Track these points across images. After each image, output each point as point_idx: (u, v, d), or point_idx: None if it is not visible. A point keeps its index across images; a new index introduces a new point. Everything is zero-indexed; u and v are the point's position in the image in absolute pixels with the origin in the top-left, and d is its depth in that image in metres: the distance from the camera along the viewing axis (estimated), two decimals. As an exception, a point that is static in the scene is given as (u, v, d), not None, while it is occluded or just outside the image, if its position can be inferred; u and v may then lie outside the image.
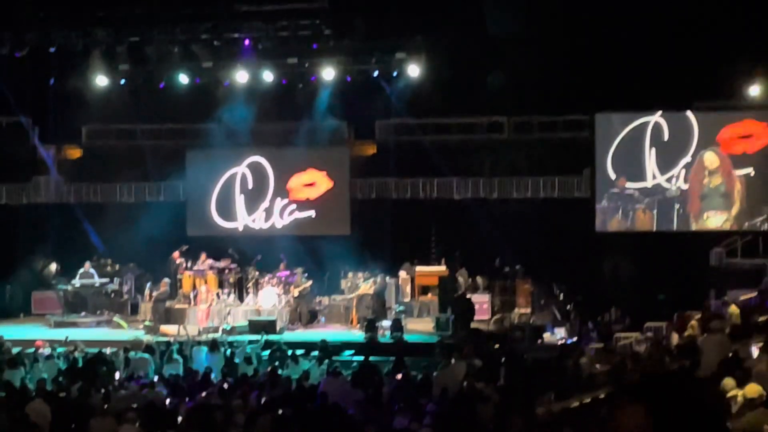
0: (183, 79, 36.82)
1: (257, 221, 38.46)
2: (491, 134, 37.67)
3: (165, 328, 32.46)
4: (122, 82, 37.27)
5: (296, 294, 34.16)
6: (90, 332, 32.77)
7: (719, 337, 20.06)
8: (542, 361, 26.87)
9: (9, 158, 39.36)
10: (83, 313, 34.84)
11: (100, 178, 39.50)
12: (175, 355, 26.83)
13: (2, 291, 37.08)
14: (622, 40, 33.12)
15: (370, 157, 39.03)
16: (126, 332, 32.66)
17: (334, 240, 36.30)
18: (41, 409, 18.73)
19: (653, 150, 35.15)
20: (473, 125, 38.03)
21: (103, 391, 21.36)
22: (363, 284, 33.59)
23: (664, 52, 33.19)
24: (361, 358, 27.38)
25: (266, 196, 38.31)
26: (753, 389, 13.89)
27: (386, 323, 32.06)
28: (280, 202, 38.22)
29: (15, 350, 27.84)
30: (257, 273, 35.18)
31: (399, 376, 23.66)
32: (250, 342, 29.28)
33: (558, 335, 31.12)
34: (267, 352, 28.25)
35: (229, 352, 27.33)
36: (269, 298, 34.00)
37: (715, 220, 34.87)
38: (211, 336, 30.33)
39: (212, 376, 24.24)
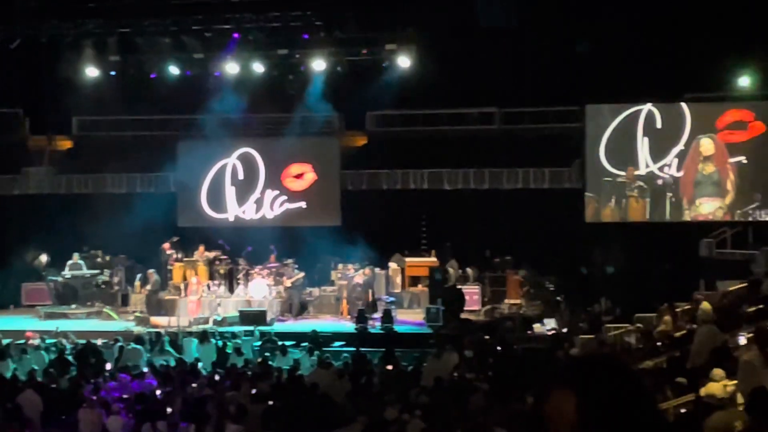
0: (173, 70, 36.80)
1: (248, 212, 38.46)
2: (482, 125, 37.70)
3: (155, 319, 32.45)
4: (113, 73, 37.23)
5: (289, 285, 34.17)
6: (80, 323, 32.77)
7: (709, 328, 20.11)
8: (532, 352, 26.93)
9: (0, 149, 39.33)
10: (73, 305, 34.79)
11: (91, 169, 39.46)
12: (166, 346, 26.86)
13: (-7, 282, 37.11)
14: (612, 31, 33.15)
15: (361, 148, 39.03)
16: (116, 323, 32.67)
17: (324, 231, 36.31)
18: (32, 399, 18.75)
19: (646, 139, 35.18)
20: (464, 116, 38.04)
21: (93, 382, 21.38)
22: (353, 275, 33.59)
23: (654, 44, 33.24)
24: (351, 349, 27.43)
25: (257, 187, 38.30)
26: (716, 388, 13.94)
27: (376, 314, 32.13)
28: (270, 194, 38.21)
29: (5, 342, 27.82)
30: (248, 264, 35.17)
31: (389, 367, 23.70)
32: (247, 333, 29.24)
33: (548, 326, 31.15)
34: (258, 343, 28.28)
35: (220, 343, 27.35)
36: (260, 290, 34.00)
37: (708, 207, 34.91)
38: (201, 327, 30.34)
39: (201, 367, 24.27)
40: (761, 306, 22.52)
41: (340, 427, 16.07)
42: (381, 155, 38.09)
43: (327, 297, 34.72)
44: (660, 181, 35.12)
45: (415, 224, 37.30)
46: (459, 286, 33.48)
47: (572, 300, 32.84)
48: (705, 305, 25.08)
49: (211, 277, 35.22)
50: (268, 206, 38.25)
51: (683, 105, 35.07)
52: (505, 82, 35.42)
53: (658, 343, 22.97)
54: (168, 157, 38.49)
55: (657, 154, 35.15)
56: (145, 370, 23.83)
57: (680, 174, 35.04)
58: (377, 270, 34.55)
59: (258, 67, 36.49)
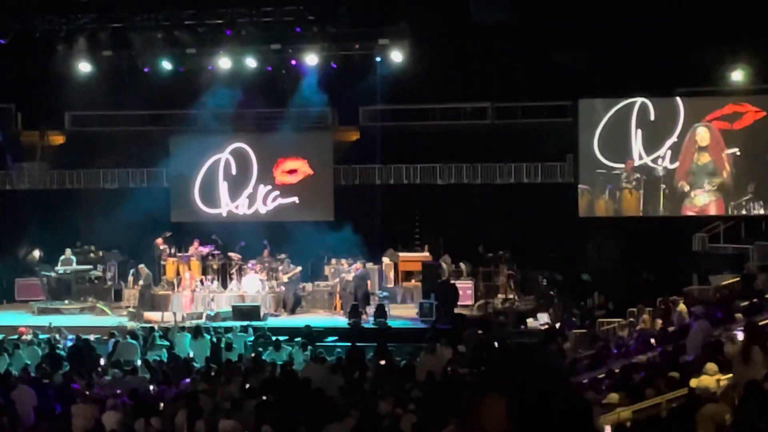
0: (166, 65, 36.79)
1: (240, 207, 38.45)
2: (475, 120, 37.74)
3: (149, 314, 32.42)
4: (106, 68, 37.18)
5: (285, 280, 34.19)
6: (74, 319, 32.74)
7: (702, 323, 20.16)
8: (526, 346, 26.96)
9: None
10: (67, 300, 34.74)
11: (84, 164, 39.44)
12: (159, 341, 26.85)
13: (-14, 277, 37.09)
14: (605, 27, 33.16)
15: (354, 143, 39.05)
16: (110, 319, 32.64)
17: (317, 226, 36.30)
18: (26, 395, 18.74)
19: (639, 131, 35.18)
20: (457, 111, 38.10)
21: (86, 377, 21.37)
22: (346, 270, 33.58)
23: (647, 39, 33.26)
24: (345, 344, 27.42)
25: (250, 182, 38.28)
26: (708, 381, 13.98)
27: (370, 309, 32.15)
28: (263, 189, 38.20)
29: (-2, 337, 27.82)
30: (241, 259, 35.16)
31: (383, 362, 23.70)
32: (242, 330, 29.20)
33: (541, 320, 31.19)
34: (251, 339, 28.27)
35: (214, 338, 27.34)
36: (253, 285, 33.97)
37: (702, 198, 34.91)
38: (194, 322, 30.32)
39: (195, 362, 24.26)
40: (754, 300, 22.55)
41: (334, 421, 16.08)
42: (374, 150, 38.07)
43: (320, 292, 34.72)
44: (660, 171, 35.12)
45: (408, 219, 37.28)
46: (452, 282, 33.47)
47: (565, 294, 32.86)
48: (681, 307, 25.21)
49: (205, 272, 35.19)
50: (261, 201, 38.24)
51: (677, 98, 35.09)
52: (497, 77, 35.43)
53: (652, 340, 22.99)
54: (161, 152, 38.48)
55: (651, 146, 35.15)
56: (138, 364, 23.83)
57: (674, 166, 35.04)
58: (370, 265, 34.54)
59: (251, 62, 36.48)
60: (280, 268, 34.68)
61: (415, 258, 35.58)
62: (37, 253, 37.39)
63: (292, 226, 36.89)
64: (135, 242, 36.50)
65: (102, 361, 25.01)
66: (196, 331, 27.57)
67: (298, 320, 31.41)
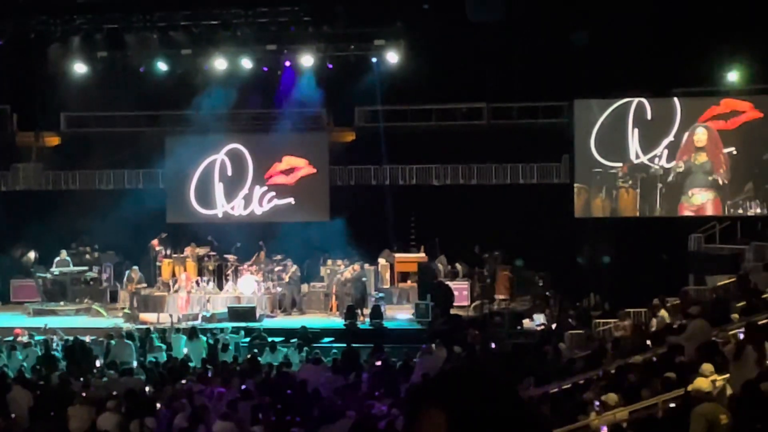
0: (162, 65, 36.76)
1: (236, 208, 38.42)
2: (470, 120, 37.73)
3: (144, 315, 32.41)
4: (101, 69, 37.15)
5: (286, 280, 34.23)
6: (69, 320, 32.72)
7: (699, 323, 20.14)
8: (522, 347, 26.96)
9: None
10: (62, 302, 34.71)
11: (79, 166, 39.40)
12: (156, 343, 26.86)
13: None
14: (600, 27, 33.18)
15: (350, 144, 39.04)
16: (105, 320, 32.62)
17: (313, 227, 36.27)
18: (22, 396, 18.73)
19: (636, 130, 35.16)
20: (452, 111, 38.08)
21: (82, 378, 21.36)
22: (342, 271, 33.57)
23: (643, 39, 33.27)
24: (341, 345, 27.45)
25: (245, 183, 38.26)
26: (705, 383, 13.97)
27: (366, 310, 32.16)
28: (259, 190, 38.18)
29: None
30: (237, 260, 35.15)
31: (378, 363, 23.72)
32: (233, 332, 29.19)
33: (537, 321, 31.19)
34: (246, 340, 28.28)
35: (210, 339, 27.34)
36: (249, 286, 33.97)
37: (700, 197, 34.90)
38: (190, 323, 30.31)
39: (191, 363, 24.26)
40: (750, 301, 22.54)
41: (329, 422, 16.08)
42: (369, 151, 38.05)
43: (316, 293, 34.73)
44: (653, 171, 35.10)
45: (404, 220, 37.28)
46: (448, 282, 33.47)
47: (561, 295, 32.87)
48: (662, 312, 25.23)
49: (200, 274, 35.18)
50: (256, 202, 38.22)
51: (674, 98, 35.10)
52: (493, 78, 35.45)
53: (648, 341, 22.98)
54: (156, 153, 38.45)
55: (647, 145, 35.13)
56: (135, 366, 23.84)
57: (671, 165, 35.04)
58: (366, 266, 34.53)
59: (246, 63, 36.47)
60: (277, 269, 34.70)
61: (410, 259, 35.55)
62: (32, 255, 37.34)
63: (288, 227, 36.86)
64: (131, 243, 36.47)
65: (98, 363, 25.00)
66: (192, 333, 27.56)
67: (294, 321, 31.40)
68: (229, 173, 38.35)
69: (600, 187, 35.46)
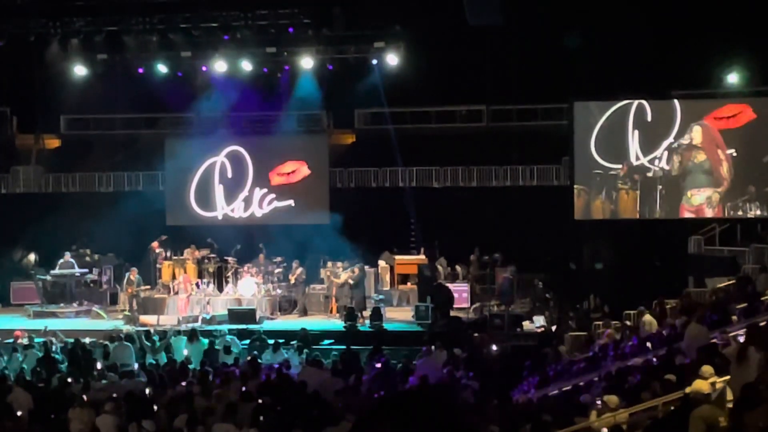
0: (161, 68, 36.77)
1: (236, 210, 38.45)
2: (470, 123, 37.76)
3: (144, 318, 32.41)
4: (101, 71, 37.16)
5: (293, 281, 34.26)
6: (69, 322, 32.71)
7: (694, 327, 20.15)
8: (522, 349, 26.98)
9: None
10: (62, 304, 34.70)
11: (79, 168, 39.46)
12: (156, 345, 26.84)
13: (-20, 281, 37.06)
14: (600, 29, 33.21)
15: (349, 146, 39.11)
16: (105, 322, 32.62)
17: (313, 229, 36.26)
18: (22, 398, 18.71)
19: (636, 132, 35.13)
20: (452, 114, 38.13)
21: (82, 381, 21.34)
22: (342, 273, 33.56)
23: (642, 41, 33.32)
24: (341, 347, 27.43)
25: (245, 185, 38.29)
26: (704, 385, 13.97)
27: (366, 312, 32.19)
28: (259, 192, 38.20)
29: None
30: (237, 262, 35.14)
31: (378, 365, 23.69)
32: (231, 332, 29.19)
33: (537, 323, 31.20)
34: (246, 342, 28.26)
35: (210, 341, 27.31)
36: (249, 288, 33.97)
37: (699, 198, 34.86)
38: (190, 325, 30.30)
39: (191, 365, 24.22)
40: (750, 303, 22.57)
41: (330, 425, 16.06)
42: (369, 153, 38.10)
43: (316, 295, 34.72)
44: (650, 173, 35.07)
45: (404, 222, 37.31)
46: (448, 284, 33.48)
47: (561, 297, 32.88)
48: (647, 317, 25.26)
49: (200, 276, 35.19)
50: (256, 204, 38.25)
51: (674, 100, 35.08)
52: (493, 80, 35.50)
53: (648, 344, 22.99)
54: (156, 155, 38.50)
55: (647, 147, 35.10)
56: (135, 368, 23.82)
57: (670, 166, 35.02)
58: (366, 268, 34.54)
59: (246, 65, 36.48)
60: (277, 270, 34.75)
61: (410, 261, 35.57)
62: (32, 257, 37.34)
63: (288, 229, 36.86)
64: (131, 246, 36.47)
65: (99, 365, 24.97)
66: (192, 335, 27.54)
67: (294, 323, 31.38)
68: (229, 175, 38.38)
69: (600, 188, 35.40)
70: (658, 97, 35.10)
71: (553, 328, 30.03)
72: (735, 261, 30.92)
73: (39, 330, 29.53)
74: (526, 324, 31.36)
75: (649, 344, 22.26)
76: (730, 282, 27.46)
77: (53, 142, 40.47)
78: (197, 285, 34.48)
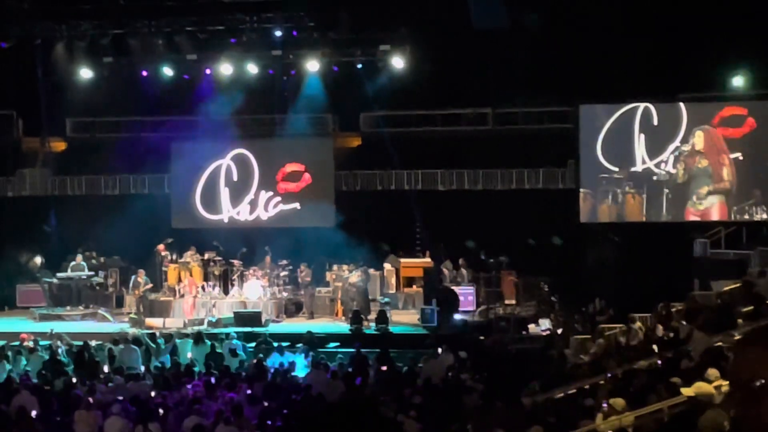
0: (167, 71, 36.82)
1: (242, 213, 38.47)
2: (475, 126, 37.75)
3: (150, 320, 32.42)
4: (107, 74, 37.21)
5: (304, 282, 34.37)
6: (75, 325, 32.74)
7: (698, 336, 20.13)
8: (527, 352, 26.96)
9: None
10: (68, 306, 34.72)
11: (85, 171, 39.46)
12: (162, 347, 26.86)
13: (-13, 284, 37.10)
14: (606, 32, 33.19)
15: (355, 149, 39.10)
16: (111, 325, 32.64)
17: (318, 232, 36.28)
18: (28, 401, 18.74)
19: (642, 136, 35.09)
20: (457, 117, 38.11)
21: (88, 384, 21.37)
22: (348, 276, 33.57)
23: (648, 45, 33.29)
24: (346, 350, 27.44)
25: (251, 188, 38.31)
26: (705, 387, 13.95)
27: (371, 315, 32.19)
28: (264, 195, 38.23)
29: (0, 343, 27.81)
30: (242, 265, 35.16)
31: (384, 368, 23.73)
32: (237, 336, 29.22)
33: (543, 326, 31.18)
34: (252, 344, 28.27)
35: (215, 344, 27.32)
36: (254, 291, 34.00)
37: (705, 202, 34.81)
38: (196, 328, 30.33)
39: (197, 368, 24.25)
40: (755, 306, 22.53)
41: (335, 428, 16.09)
42: (375, 156, 38.10)
43: (321, 298, 34.72)
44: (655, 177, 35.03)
45: (410, 225, 37.32)
46: (453, 287, 33.48)
47: (566, 300, 32.85)
48: (638, 324, 25.22)
49: (206, 279, 35.21)
50: (262, 207, 38.27)
51: (680, 103, 35.03)
52: (498, 83, 35.47)
53: (654, 346, 22.97)
54: (162, 158, 38.50)
55: (653, 150, 35.06)
56: (142, 371, 23.85)
57: (676, 170, 34.99)
58: (372, 271, 34.57)
59: (252, 68, 36.51)
60: (282, 273, 34.82)
61: (416, 264, 35.57)
62: (38, 260, 37.39)
63: (294, 232, 36.89)
64: (136, 248, 36.49)
65: (106, 368, 25.00)
66: (198, 337, 27.57)
67: (300, 326, 31.41)
68: (235, 178, 38.41)
69: (606, 192, 35.38)
70: (664, 100, 35.07)
71: (559, 331, 30.00)
72: (741, 264, 30.86)
73: (45, 333, 29.57)
74: (532, 327, 31.35)
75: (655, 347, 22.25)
76: (736, 285, 27.41)
77: (59, 145, 40.47)
78: (203, 288, 34.49)
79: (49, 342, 27.87)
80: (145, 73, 37.11)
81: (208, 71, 36.98)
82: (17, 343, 28.02)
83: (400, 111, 37.98)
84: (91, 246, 37.12)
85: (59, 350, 26.68)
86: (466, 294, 33.98)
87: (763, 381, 4.17)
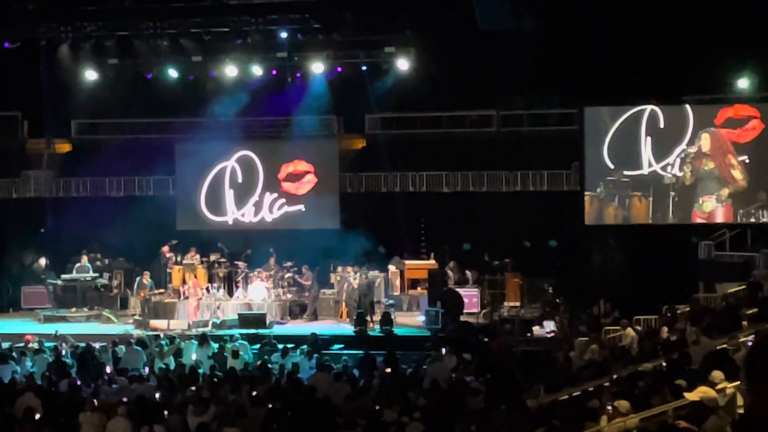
0: (172, 72, 36.84)
1: (246, 215, 38.46)
2: (480, 128, 37.76)
3: (155, 322, 32.43)
4: (111, 76, 37.23)
5: (309, 284, 34.39)
6: (80, 326, 32.78)
7: (705, 338, 20.12)
8: (532, 354, 26.96)
9: (-1, 153, 39.48)
10: (73, 308, 34.74)
11: (90, 173, 39.46)
12: (166, 349, 26.86)
13: (-8, 285, 37.13)
14: (611, 34, 33.17)
15: (360, 151, 39.10)
16: (116, 326, 32.66)
17: (323, 234, 36.29)
18: (32, 403, 18.74)
19: (649, 138, 35.03)
20: (462, 119, 38.14)
21: (92, 385, 21.38)
22: (352, 278, 33.57)
23: (653, 47, 33.28)
24: (350, 351, 27.46)
25: (255, 190, 38.31)
26: (709, 392, 13.94)
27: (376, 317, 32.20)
28: (269, 196, 38.22)
29: (4, 345, 27.83)
30: (247, 267, 35.17)
31: (388, 370, 23.71)
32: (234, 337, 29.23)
33: (547, 328, 31.16)
34: (256, 346, 28.27)
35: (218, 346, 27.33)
36: (259, 292, 34.01)
37: (711, 205, 34.75)
38: (200, 330, 30.35)
39: (201, 370, 24.25)
40: (760, 308, 22.52)
41: (339, 430, 16.09)
42: (380, 158, 38.11)
43: (326, 300, 34.72)
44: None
45: (414, 227, 37.32)
46: (458, 289, 33.47)
47: (571, 302, 32.83)
48: (629, 330, 25.23)
49: (211, 280, 35.22)
50: (267, 209, 38.26)
51: (686, 105, 34.97)
52: (503, 85, 35.45)
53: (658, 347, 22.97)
54: (167, 160, 38.51)
55: (660, 153, 34.99)
56: (146, 372, 23.85)
57: (682, 173, 34.94)
58: (376, 273, 34.58)
59: (257, 70, 36.52)
60: (287, 275, 34.83)
61: (421, 266, 35.57)
62: (42, 261, 37.40)
63: (298, 233, 36.90)
64: (141, 250, 36.51)
65: (109, 369, 25.00)
66: (202, 339, 27.58)
67: (304, 328, 31.42)
68: (240, 180, 38.41)
69: (613, 195, 35.31)
70: (670, 102, 35.02)
71: (563, 333, 29.98)
72: (745, 266, 30.82)
73: (49, 334, 29.61)
74: (536, 329, 31.33)
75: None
76: (741, 287, 27.39)
77: (64, 147, 40.49)
78: (207, 290, 34.51)
79: (53, 343, 27.89)
80: (150, 75, 37.10)
81: (213, 73, 36.97)
82: (22, 344, 28.06)
83: (405, 113, 38.02)
84: (95, 247, 37.15)
85: (64, 352, 26.71)
86: (470, 296, 33.96)
87: None
